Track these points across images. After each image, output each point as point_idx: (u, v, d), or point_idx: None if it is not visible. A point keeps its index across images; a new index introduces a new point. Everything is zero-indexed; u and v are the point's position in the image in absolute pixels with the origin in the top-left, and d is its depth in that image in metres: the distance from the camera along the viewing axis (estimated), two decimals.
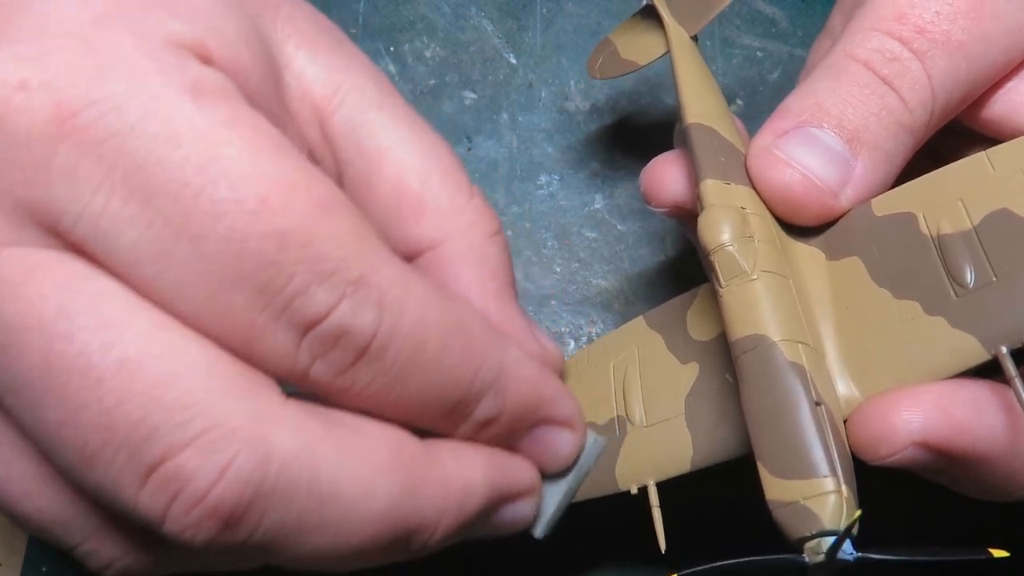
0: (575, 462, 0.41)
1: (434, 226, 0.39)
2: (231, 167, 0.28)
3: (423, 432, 0.35)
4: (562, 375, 0.42)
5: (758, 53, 0.61)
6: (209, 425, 0.28)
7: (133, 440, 0.28)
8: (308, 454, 0.30)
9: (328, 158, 0.38)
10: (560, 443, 0.39)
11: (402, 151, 0.39)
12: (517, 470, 0.38)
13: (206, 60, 0.30)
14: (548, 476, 0.40)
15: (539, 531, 0.41)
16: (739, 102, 0.60)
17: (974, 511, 0.39)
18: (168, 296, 0.29)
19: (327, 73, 0.37)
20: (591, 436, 0.41)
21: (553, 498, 0.40)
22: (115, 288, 0.29)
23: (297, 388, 0.32)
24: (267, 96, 0.33)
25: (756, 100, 0.60)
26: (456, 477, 0.35)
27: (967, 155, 0.40)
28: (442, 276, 0.38)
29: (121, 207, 0.28)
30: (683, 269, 0.56)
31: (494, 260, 0.39)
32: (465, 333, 0.34)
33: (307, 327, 0.30)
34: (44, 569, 0.50)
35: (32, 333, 0.28)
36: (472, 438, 0.36)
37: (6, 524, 0.52)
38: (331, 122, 0.38)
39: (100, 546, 0.32)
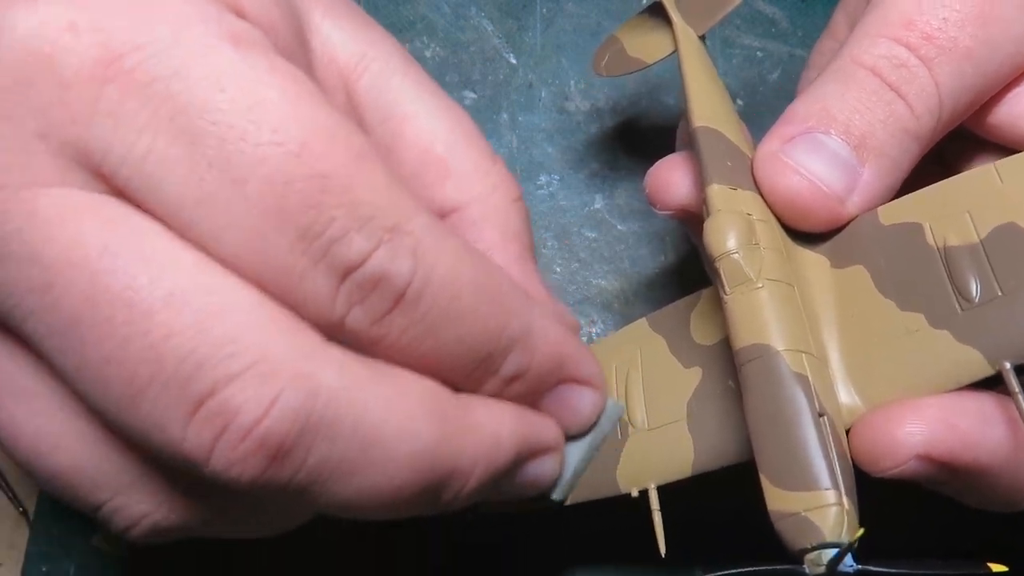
0: (594, 424, 0.41)
1: (458, 189, 0.39)
2: (274, 111, 0.29)
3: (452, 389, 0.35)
4: None
5: (758, 53, 0.61)
6: (256, 359, 0.28)
7: (180, 374, 0.28)
8: (353, 392, 0.30)
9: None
10: (582, 402, 0.39)
11: (427, 117, 0.39)
12: (543, 426, 0.38)
13: (241, 16, 0.31)
14: (567, 439, 0.40)
15: (557, 493, 0.41)
16: (739, 102, 0.60)
17: (977, 521, 0.40)
18: (210, 239, 0.29)
19: (353, 41, 0.38)
20: (610, 401, 0.41)
21: (572, 461, 0.41)
22: (158, 229, 0.29)
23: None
24: (296, 57, 0.34)
25: (756, 100, 0.60)
26: (488, 428, 0.35)
27: (971, 160, 0.41)
28: (465, 238, 0.38)
29: (165, 149, 0.28)
30: (683, 269, 0.56)
31: (517, 224, 0.40)
32: (496, 289, 0.34)
33: (345, 272, 0.30)
34: (44, 569, 0.50)
35: (76, 270, 0.28)
36: (498, 394, 0.36)
37: (6, 524, 0.52)
38: (356, 88, 0.38)
39: (130, 502, 0.32)
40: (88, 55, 0.28)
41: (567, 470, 0.41)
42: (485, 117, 0.59)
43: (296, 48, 0.34)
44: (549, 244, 0.56)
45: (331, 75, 0.37)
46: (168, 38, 0.28)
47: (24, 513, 0.52)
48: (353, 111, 0.38)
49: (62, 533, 0.51)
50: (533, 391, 0.37)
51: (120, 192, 0.29)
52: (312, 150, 0.29)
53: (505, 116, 0.59)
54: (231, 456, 0.29)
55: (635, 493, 0.39)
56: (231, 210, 0.29)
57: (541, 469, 0.38)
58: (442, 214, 0.39)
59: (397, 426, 0.31)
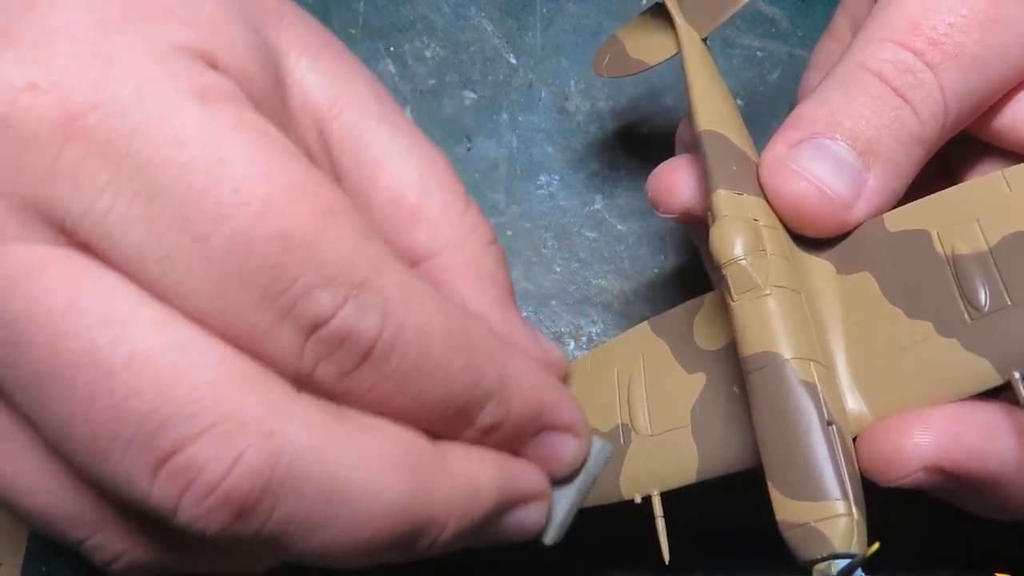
0: (581, 467, 0.40)
1: (431, 236, 0.39)
2: (236, 169, 0.28)
3: (431, 436, 0.35)
4: (565, 378, 0.42)
5: (758, 53, 0.61)
6: (220, 417, 0.28)
7: (144, 432, 0.28)
8: (320, 448, 0.30)
9: (327, 167, 0.38)
10: (565, 448, 0.39)
11: (400, 162, 0.39)
12: (526, 474, 0.38)
13: (212, 66, 0.30)
14: (556, 482, 0.40)
15: (549, 538, 0.40)
16: (739, 102, 0.59)
17: (984, 530, 0.39)
18: (174, 295, 0.29)
19: (328, 83, 0.37)
20: (598, 442, 0.41)
21: (562, 504, 0.40)
22: (122, 284, 0.29)
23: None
24: (270, 103, 0.33)
25: (756, 100, 0.60)
26: (465, 477, 0.35)
27: (975, 165, 0.41)
28: (440, 286, 0.38)
29: (127, 207, 0.28)
30: (683, 270, 0.56)
31: (492, 268, 0.40)
32: (468, 340, 0.34)
33: (311, 329, 0.30)
34: (44, 569, 0.50)
35: (40, 328, 0.28)
36: (477, 443, 0.36)
37: (6, 524, 0.51)
38: (330, 131, 0.38)
39: (108, 539, 0.32)
40: (48, 114, 0.27)
41: (556, 515, 0.40)
42: (485, 117, 0.59)
43: (271, 93, 0.34)
44: (549, 244, 0.56)
45: (306, 117, 0.37)
46: (129, 95, 0.28)
47: None
48: (326, 154, 0.38)
49: None
50: (513, 440, 0.37)
51: (84, 247, 0.29)
52: (275, 208, 0.29)
53: (505, 116, 0.59)
54: (196, 511, 0.29)
55: (638, 499, 0.39)
56: (194, 267, 0.29)
57: (526, 517, 0.38)
58: (416, 261, 0.39)
59: (365, 480, 0.31)
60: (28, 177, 0.28)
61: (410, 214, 0.38)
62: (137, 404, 0.28)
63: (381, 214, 0.38)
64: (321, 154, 0.38)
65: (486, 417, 0.35)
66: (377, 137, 0.38)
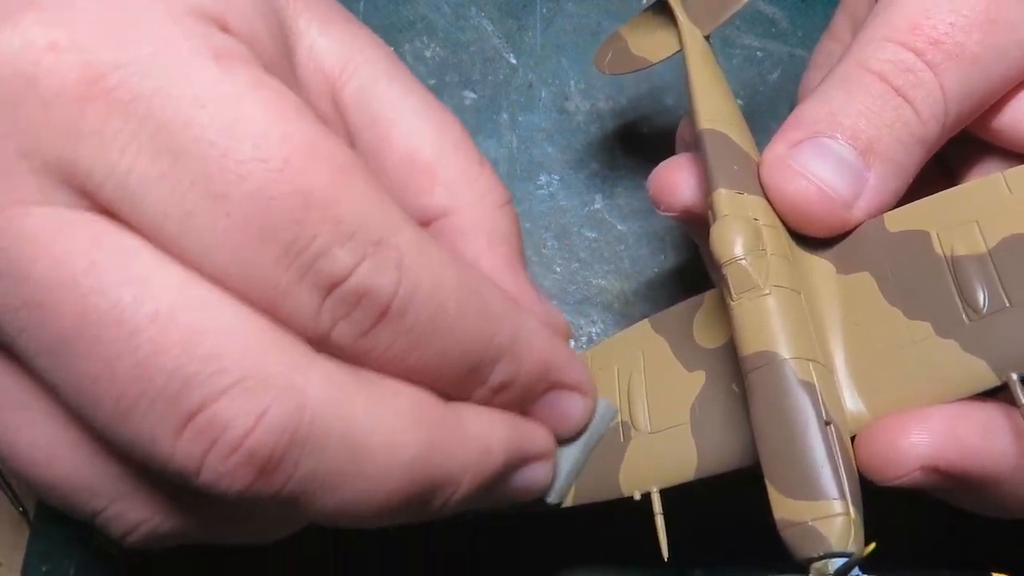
0: (586, 428, 0.41)
1: (445, 196, 0.39)
2: (256, 128, 0.29)
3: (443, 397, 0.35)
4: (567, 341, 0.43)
5: (758, 53, 0.61)
6: (243, 374, 0.29)
7: (169, 390, 0.28)
8: (341, 404, 0.30)
9: (339, 130, 0.38)
10: (572, 407, 0.39)
11: (414, 122, 0.39)
12: (533, 433, 0.38)
13: (224, 30, 0.31)
14: (560, 442, 0.40)
15: (552, 497, 0.41)
16: (739, 102, 0.59)
17: (982, 528, 0.40)
18: (195, 255, 0.29)
19: (339, 47, 0.38)
20: (602, 402, 0.41)
21: (566, 464, 0.41)
22: (144, 246, 0.29)
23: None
24: (281, 68, 0.33)
25: (756, 100, 0.60)
26: (478, 436, 0.35)
27: (974, 164, 0.41)
28: (453, 245, 0.38)
29: (148, 167, 0.28)
30: (683, 269, 0.56)
31: (505, 229, 0.40)
32: (482, 299, 0.34)
33: (329, 287, 0.30)
34: (44, 569, 0.50)
35: (64, 290, 0.28)
36: (487, 402, 0.36)
37: (7, 524, 0.52)
38: (343, 94, 0.38)
39: (126, 509, 0.32)
40: (70, 74, 0.28)
41: (561, 474, 0.41)
42: (485, 117, 0.59)
43: (281, 58, 0.34)
44: (549, 244, 0.56)
45: (317, 82, 0.37)
46: (150, 56, 0.28)
47: (24, 513, 0.52)
48: (339, 118, 0.38)
49: (62, 533, 0.51)
50: (522, 399, 0.37)
51: (105, 209, 0.29)
52: (294, 166, 0.29)
53: (505, 116, 0.59)
54: (220, 469, 0.29)
55: (638, 496, 0.39)
56: (214, 226, 0.29)
57: (533, 476, 0.39)
58: (429, 221, 0.39)
59: (385, 436, 0.32)
60: (50, 138, 0.28)
61: (424, 175, 0.39)
62: (162, 362, 0.28)
63: (395, 174, 0.39)
64: (334, 118, 0.38)
65: (498, 376, 0.35)
66: (390, 98, 0.39)
